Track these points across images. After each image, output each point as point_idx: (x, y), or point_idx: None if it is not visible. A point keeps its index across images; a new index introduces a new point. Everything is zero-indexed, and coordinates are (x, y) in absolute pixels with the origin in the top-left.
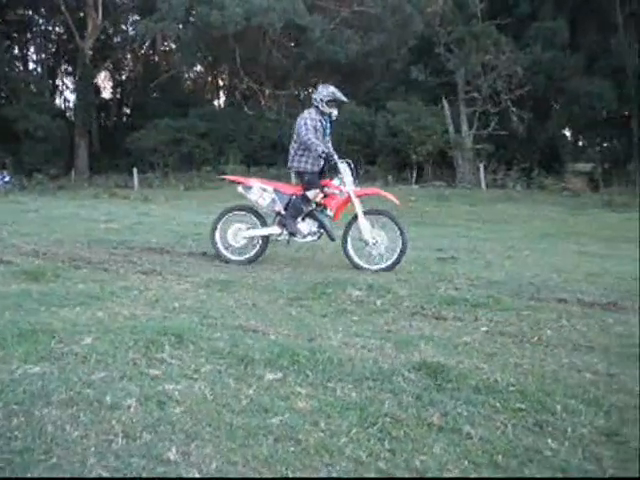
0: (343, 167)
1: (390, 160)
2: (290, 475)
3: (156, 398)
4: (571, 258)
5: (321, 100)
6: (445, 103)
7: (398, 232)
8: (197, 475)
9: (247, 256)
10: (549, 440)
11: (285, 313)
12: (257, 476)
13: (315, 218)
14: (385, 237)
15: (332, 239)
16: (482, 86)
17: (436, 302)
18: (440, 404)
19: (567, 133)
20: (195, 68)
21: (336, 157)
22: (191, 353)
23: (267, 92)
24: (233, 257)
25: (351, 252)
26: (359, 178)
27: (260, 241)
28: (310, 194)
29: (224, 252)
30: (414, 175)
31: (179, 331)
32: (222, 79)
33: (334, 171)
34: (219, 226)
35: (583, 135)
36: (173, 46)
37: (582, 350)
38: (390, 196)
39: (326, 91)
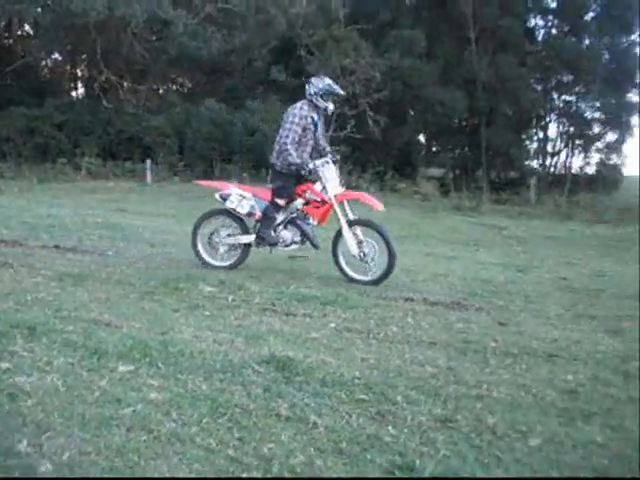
0: (323, 171)
1: (247, 158)
2: (142, 463)
3: (7, 391)
4: (420, 259)
5: (316, 94)
6: None
7: (384, 243)
8: (49, 467)
9: (229, 262)
10: (390, 427)
11: (138, 307)
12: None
13: (297, 226)
14: (373, 248)
15: (316, 247)
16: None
17: (287, 299)
18: (288, 396)
19: (421, 139)
20: (53, 56)
21: (312, 164)
22: (44, 346)
23: (126, 85)
24: (214, 262)
25: (344, 265)
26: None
27: (241, 248)
28: (280, 202)
29: (205, 256)
30: (270, 174)
31: (32, 324)
32: (81, 69)
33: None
34: (200, 230)
35: (436, 141)
36: (30, 31)
37: (425, 345)
38: (373, 202)
39: (322, 84)
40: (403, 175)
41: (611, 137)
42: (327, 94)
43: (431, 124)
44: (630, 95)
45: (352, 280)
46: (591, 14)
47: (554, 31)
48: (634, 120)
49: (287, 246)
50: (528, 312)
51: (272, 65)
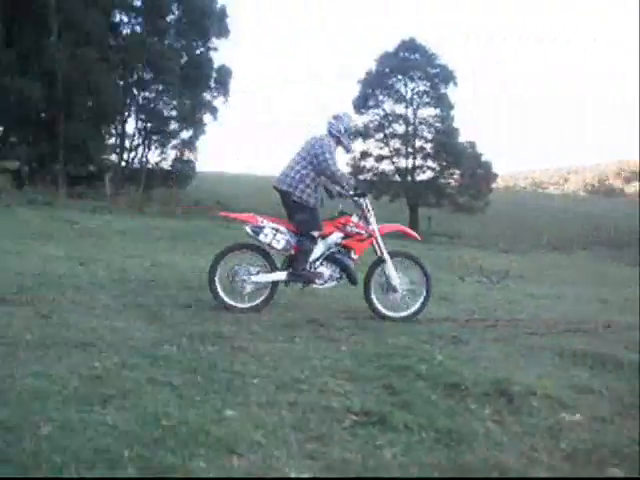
0: (366, 204)
1: None
2: None
3: None
4: None
5: (346, 131)
6: None
7: (422, 275)
8: None
9: (254, 303)
10: None
11: None
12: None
13: (336, 261)
14: (408, 281)
15: (355, 283)
16: None
17: None
18: None
19: None
20: None
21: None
22: None
23: None
24: (237, 304)
25: (375, 300)
26: None
27: (269, 287)
28: (316, 233)
29: (225, 297)
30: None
31: None
32: None
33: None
34: (220, 267)
35: (14, 133)
36: None
37: None
38: (412, 233)
39: (350, 122)
40: None
41: (186, 134)
42: (352, 133)
43: (7, 115)
44: (205, 95)
45: (383, 317)
46: (172, 17)
47: (138, 29)
48: (207, 119)
49: (325, 283)
50: (76, 304)
51: None
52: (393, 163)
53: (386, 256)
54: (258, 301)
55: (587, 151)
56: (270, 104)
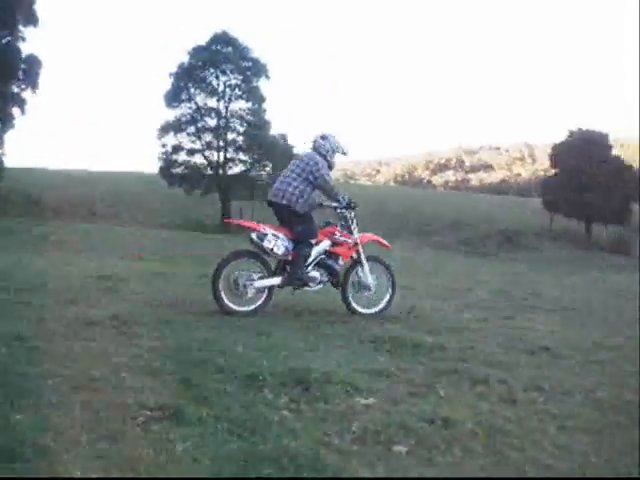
0: (351, 216)
1: None
2: None
3: None
4: None
5: (333, 151)
6: None
7: (388, 277)
8: None
9: (254, 306)
10: None
11: None
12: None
13: (326, 266)
14: (377, 282)
15: (338, 287)
16: None
17: None
18: None
19: None
20: None
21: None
22: None
23: None
24: (239, 308)
25: (351, 298)
26: None
27: (266, 290)
28: (314, 241)
29: (228, 303)
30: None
31: None
32: None
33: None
34: (223, 274)
35: None
36: None
37: None
38: (385, 243)
39: (337, 143)
40: None
41: None
42: (336, 153)
43: None
44: (12, 87)
45: (356, 312)
46: None
47: None
48: (16, 112)
49: (316, 285)
50: None
51: None
52: (205, 157)
53: (364, 261)
54: (257, 305)
55: (397, 143)
56: (86, 97)
